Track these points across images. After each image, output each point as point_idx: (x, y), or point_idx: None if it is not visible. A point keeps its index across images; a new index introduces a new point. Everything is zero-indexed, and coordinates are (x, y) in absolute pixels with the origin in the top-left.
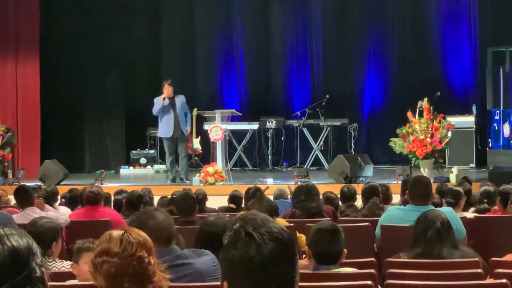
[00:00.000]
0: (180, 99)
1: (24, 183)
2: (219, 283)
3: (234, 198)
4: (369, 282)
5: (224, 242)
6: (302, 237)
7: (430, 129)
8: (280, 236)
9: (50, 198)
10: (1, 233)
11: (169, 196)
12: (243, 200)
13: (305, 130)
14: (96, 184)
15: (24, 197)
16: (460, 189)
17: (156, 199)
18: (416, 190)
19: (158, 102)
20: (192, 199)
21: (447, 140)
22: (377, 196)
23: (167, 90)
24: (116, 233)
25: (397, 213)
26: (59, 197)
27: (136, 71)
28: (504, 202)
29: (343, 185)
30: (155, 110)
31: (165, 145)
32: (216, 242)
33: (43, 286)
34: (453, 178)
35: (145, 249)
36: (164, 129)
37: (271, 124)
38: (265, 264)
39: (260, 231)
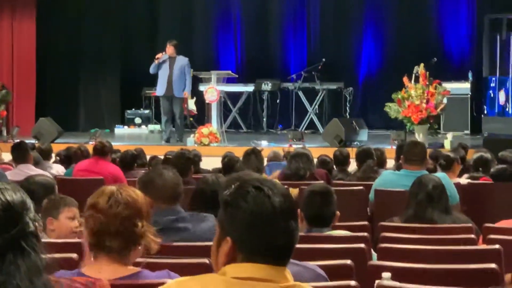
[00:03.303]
0: (180, 60)
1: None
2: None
3: (228, 159)
4: (362, 245)
5: (226, 199)
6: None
7: (425, 94)
8: (284, 191)
9: (44, 156)
10: None
11: (160, 156)
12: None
13: (300, 93)
14: (91, 143)
15: (20, 154)
16: (454, 155)
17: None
18: (412, 153)
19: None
20: (188, 159)
21: (442, 106)
22: (372, 159)
23: (167, 49)
24: (109, 189)
25: (391, 177)
26: (53, 155)
27: (132, 31)
28: None
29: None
30: (151, 68)
31: (161, 104)
32: (217, 201)
33: (37, 240)
34: (447, 144)
35: (133, 210)
36: (158, 87)
37: (267, 86)
38: (276, 216)
39: (267, 185)
